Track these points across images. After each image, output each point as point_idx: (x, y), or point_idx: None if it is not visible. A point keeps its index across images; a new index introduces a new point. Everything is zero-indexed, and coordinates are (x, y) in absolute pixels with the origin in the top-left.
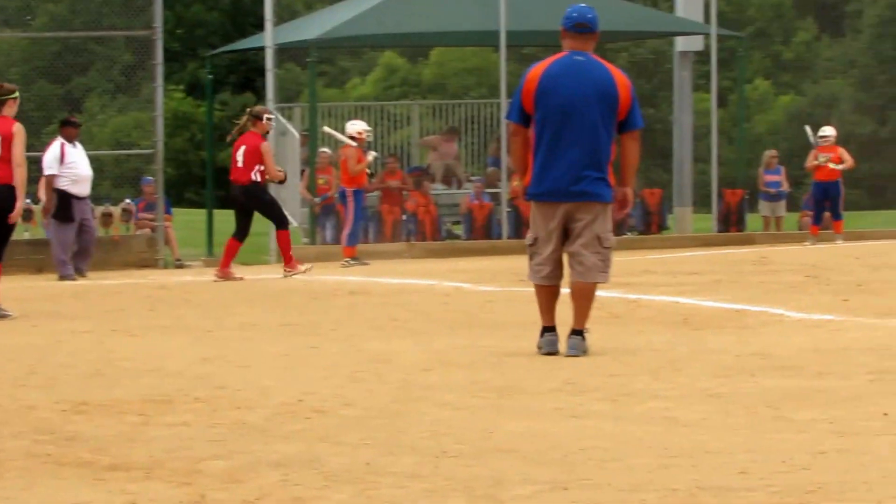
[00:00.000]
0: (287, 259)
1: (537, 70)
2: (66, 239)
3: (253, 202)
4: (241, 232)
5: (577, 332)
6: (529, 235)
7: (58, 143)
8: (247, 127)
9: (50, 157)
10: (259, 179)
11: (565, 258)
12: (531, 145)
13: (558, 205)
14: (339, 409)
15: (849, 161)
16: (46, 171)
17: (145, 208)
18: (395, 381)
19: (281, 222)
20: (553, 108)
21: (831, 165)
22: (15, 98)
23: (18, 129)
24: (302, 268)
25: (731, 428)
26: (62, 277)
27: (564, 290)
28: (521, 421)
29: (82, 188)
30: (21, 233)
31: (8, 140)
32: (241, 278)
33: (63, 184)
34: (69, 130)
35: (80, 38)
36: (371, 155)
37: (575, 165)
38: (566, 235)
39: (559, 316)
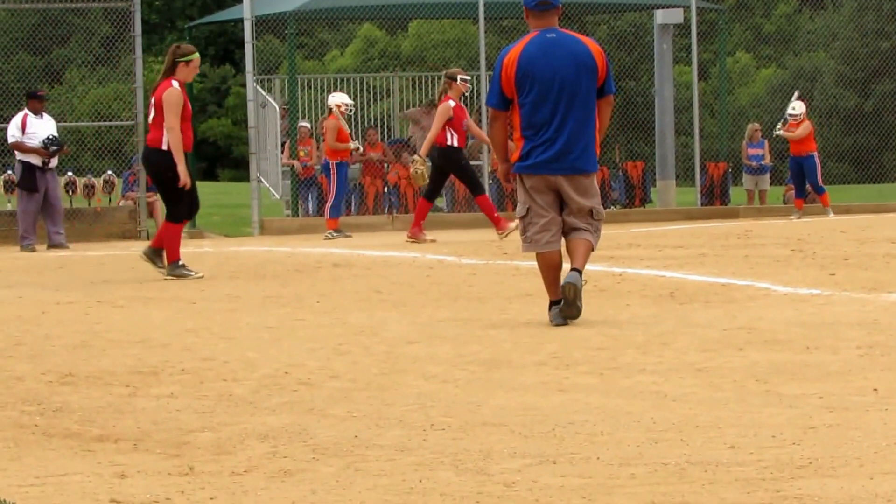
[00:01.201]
0: (496, 221)
1: (513, 53)
2: (29, 209)
3: (449, 165)
4: (433, 193)
5: (576, 270)
6: (520, 207)
7: (21, 113)
8: (445, 91)
9: (12, 126)
10: (456, 144)
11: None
12: (512, 129)
13: (548, 177)
14: (325, 381)
15: (800, 132)
16: (9, 140)
17: (134, 183)
18: (380, 354)
19: (476, 187)
20: (540, 87)
21: (783, 134)
22: (188, 61)
23: (168, 94)
24: (512, 225)
25: (720, 402)
26: (23, 248)
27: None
28: (508, 394)
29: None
30: (4, 204)
31: (160, 104)
32: (433, 241)
33: (26, 155)
34: (33, 103)
35: (60, 10)
36: (353, 144)
37: (565, 139)
38: (560, 202)
39: None
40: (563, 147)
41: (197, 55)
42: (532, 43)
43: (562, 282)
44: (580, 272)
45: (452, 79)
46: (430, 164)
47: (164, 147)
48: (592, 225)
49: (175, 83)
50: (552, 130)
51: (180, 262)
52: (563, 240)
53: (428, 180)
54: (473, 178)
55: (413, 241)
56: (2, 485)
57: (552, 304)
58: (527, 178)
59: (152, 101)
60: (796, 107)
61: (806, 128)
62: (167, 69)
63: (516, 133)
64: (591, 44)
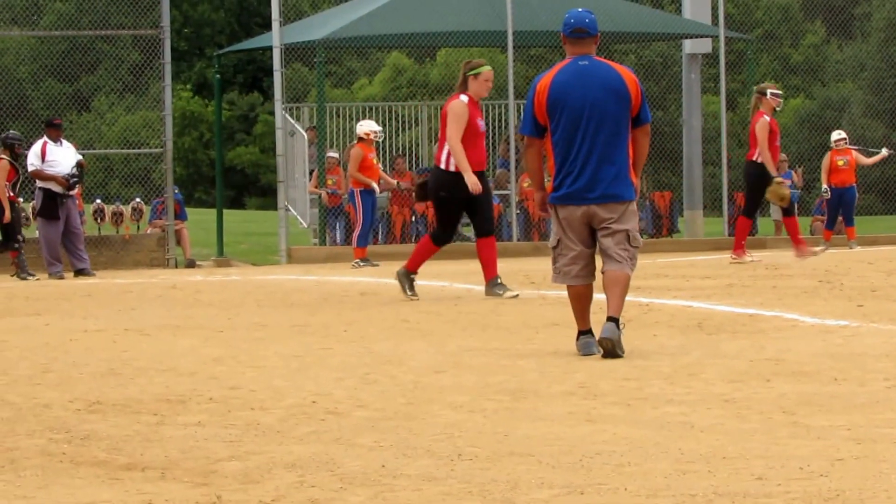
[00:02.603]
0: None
1: (545, 80)
2: (52, 237)
3: (750, 180)
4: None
5: (612, 319)
6: (553, 238)
7: (40, 141)
8: (757, 106)
9: (31, 155)
10: (759, 159)
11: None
12: (547, 156)
13: (581, 206)
14: (352, 410)
15: (870, 160)
16: (29, 169)
17: (163, 211)
18: (407, 383)
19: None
20: (569, 114)
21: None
22: (476, 74)
23: (453, 105)
24: (748, 258)
25: (747, 433)
26: (51, 275)
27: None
28: (535, 424)
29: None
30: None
31: (444, 117)
32: (758, 260)
33: (47, 182)
34: (51, 131)
35: (88, 37)
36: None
37: (595, 167)
38: (592, 236)
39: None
40: (594, 175)
41: (486, 68)
42: (564, 70)
43: (599, 334)
44: (617, 321)
45: (762, 94)
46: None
47: (442, 165)
48: (629, 251)
49: (464, 97)
50: (582, 158)
51: (413, 274)
52: (596, 268)
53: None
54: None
55: (737, 262)
56: None
57: (580, 333)
58: (560, 208)
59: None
60: (842, 133)
61: (859, 156)
62: (460, 84)
63: (549, 161)
64: (625, 72)
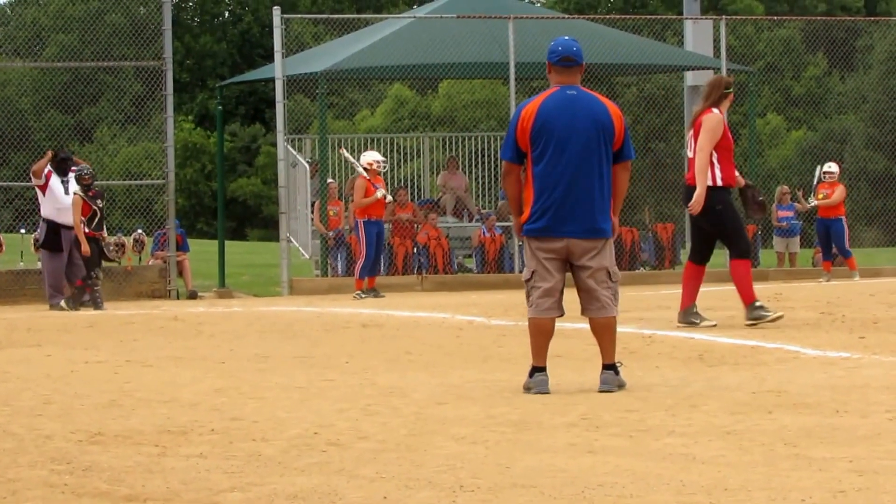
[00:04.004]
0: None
1: (532, 107)
2: (55, 268)
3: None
4: None
5: (609, 367)
6: (526, 270)
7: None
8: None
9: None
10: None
11: (568, 294)
12: (526, 183)
13: (558, 239)
14: (354, 442)
15: (836, 198)
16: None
17: (165, 244)
18: (409, 415)
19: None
20: (552, 143)
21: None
22: (728, 94)
23: (708, 118)
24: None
25: (749, 465)
26: (52, 307)
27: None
28: (537, 456)
29: (69, 217)
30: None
31: (698, 129)
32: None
33: (49, 214)
34: (57, 165)
35: (91, 69)
36: (379, 193)
37: (575, 200)
38: (568, 270)
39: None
40: (573, 208)
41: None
42: (551, 98)
43: (599, 386)
44: (614, 367)
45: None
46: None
47: (710, 181)
48: (612, 289)
49: (716, 110)
50: (562, 189)
51: (757, 303)
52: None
53: None
54: None
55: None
56: None
57: (535, 370)
58: (537, 240)
59: (690, 134)
60: (832, 167)
61: (841, 192)
62: (713, 100)
63: (527, 190)
64: (611, 105)
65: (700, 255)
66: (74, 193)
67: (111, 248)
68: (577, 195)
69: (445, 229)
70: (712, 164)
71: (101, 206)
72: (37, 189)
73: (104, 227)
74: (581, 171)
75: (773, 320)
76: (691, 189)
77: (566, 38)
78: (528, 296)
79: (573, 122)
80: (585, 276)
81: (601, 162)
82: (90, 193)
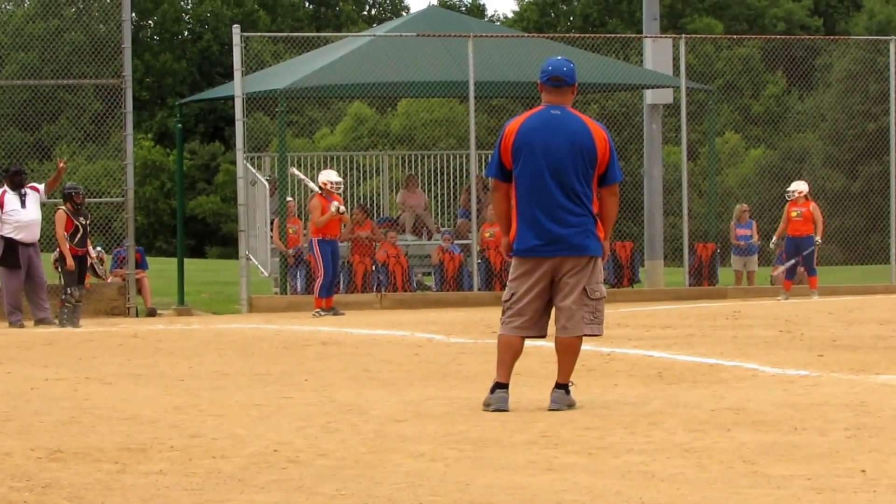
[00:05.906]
0: None
1: (514, 124)
2: (13, 285)
3: None
4: None
5: (561, 386)
6: (507, 291)
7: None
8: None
9: None
10: None
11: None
12: (512, 200)
13: (543, 260)
14: (314, 459)
15: (818, 217)
16: None
17: (124, 262)
18: (369, 432)
19: None
20: (530, 161)
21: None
22: None
23: None
24: None
25: (708, 483)
26: (11, 324)
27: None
28: (497, 473)
29: (27, 234)
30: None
31: None
32: None
33: (7, 231)
34: (8, 180)
35: (50, 87)
36: (333, 206)
37: (555, 219)
38: (552, 290)
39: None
40: (552, 228)
41: None
42: (534, 116)
43: (549, 404)
44: (566, 389)
45: None
46: None
47: None
48: (588, 306)
49: None
50: (542, 209)
51: None
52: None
53: None
54: None
55: None
56: None
57: (497, 386)
58: (523, 261)
59: None
60: (800, 185)
61: (816, 210)
62: None
63: (513, 208)
64: (595, 128)
65: None
66: (58, 209)
67: (101, 265)
68: (552, 214)
69: (405, 247)
70: None
71: (84, 223)
72: None
73: (88, 243)
74: (556, 191)
75: None
76: None
77: (559, 58)
78: (503, 312)
79: (550, 142)
80: (563, 293)
81: (579, 183)
82: (75, 204)
